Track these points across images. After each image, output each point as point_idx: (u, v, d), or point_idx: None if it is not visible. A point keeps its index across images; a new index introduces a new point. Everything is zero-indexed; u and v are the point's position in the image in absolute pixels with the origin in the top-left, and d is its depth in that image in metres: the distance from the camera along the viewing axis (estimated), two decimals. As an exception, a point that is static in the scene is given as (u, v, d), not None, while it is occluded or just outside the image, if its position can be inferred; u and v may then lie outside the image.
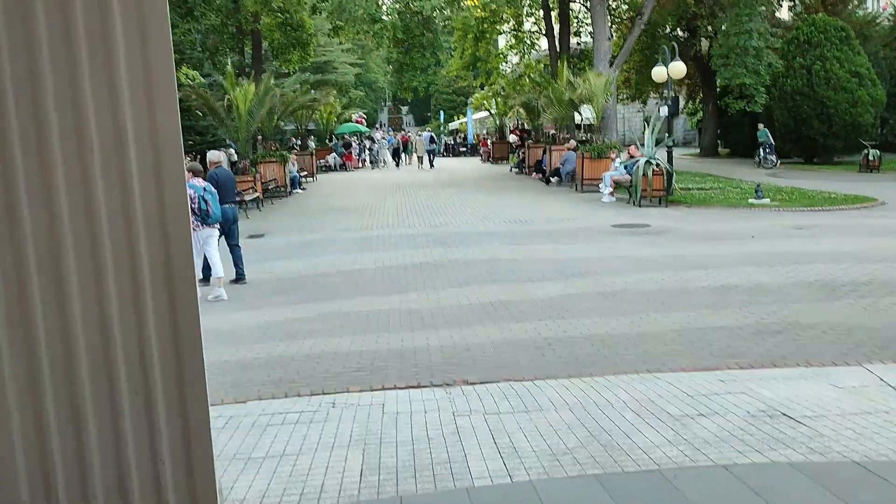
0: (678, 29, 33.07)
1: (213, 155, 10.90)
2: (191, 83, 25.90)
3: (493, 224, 15.38)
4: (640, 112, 43.72)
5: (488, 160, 39.17)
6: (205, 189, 9.46)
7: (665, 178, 17.07)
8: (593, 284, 8.96)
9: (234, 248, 10.68)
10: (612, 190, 18.73)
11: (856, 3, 32.35)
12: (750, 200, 16.77)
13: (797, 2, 32.97)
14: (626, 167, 18.69)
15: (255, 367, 6.36)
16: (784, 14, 33.71)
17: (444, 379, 5.57)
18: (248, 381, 5.92)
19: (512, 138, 39.44)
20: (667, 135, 18.44)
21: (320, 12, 28.61)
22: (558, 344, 6.41)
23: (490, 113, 40.97)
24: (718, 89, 32.04)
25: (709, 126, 36.43)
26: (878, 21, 31.89)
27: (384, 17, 24.84)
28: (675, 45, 18.88)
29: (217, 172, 10.56)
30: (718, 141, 36.37)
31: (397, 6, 24.43)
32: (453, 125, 57.86)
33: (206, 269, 10.07)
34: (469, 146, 46.43)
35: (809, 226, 13.34)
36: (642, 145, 17.83)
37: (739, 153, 33.23)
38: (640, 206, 17.10)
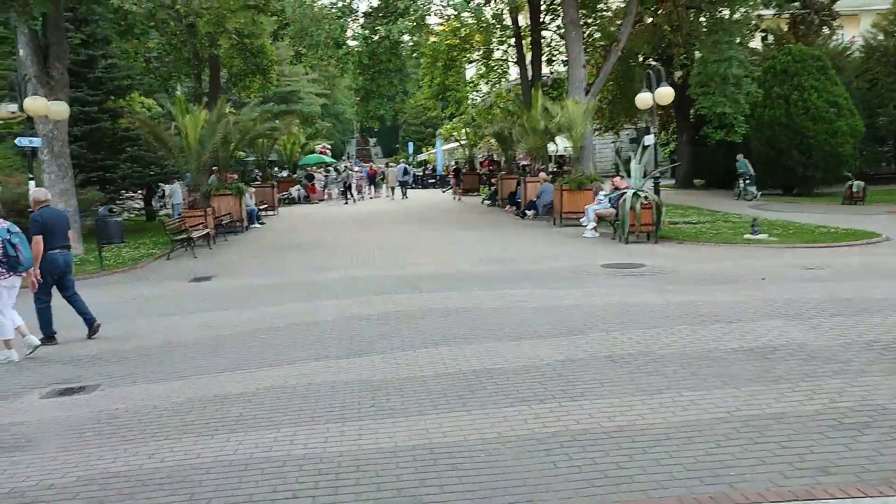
0: (651, 58, 32.23)
1: (37, 193, 9.26)
2: (142, 111, 24.14)
3: (470, 264, 13.82)
4: (613, 143, 42.87)
5: (458, 192, 37.78)
6: (8, 231, 8.14)
7: (654, 211, 15.72)
8: (597, 344, 7.40)
9: (74, 299, 9.28)
10: (595, 225, 17.35)
11: (826, 33, 31.89)
12: (746, 236, 15.47)
13: (768, 34, 32.47)
14: (610, 200, 17.35)
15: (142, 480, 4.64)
16: (756, 44, 33.14)
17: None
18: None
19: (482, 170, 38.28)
20: (654, 165, 17.13)
21: (282, 38, 27.11)
22: (573, 446, 4.77)
23: (460, 144, 39.72)
24: (693, 119, 31.19)
25: (683, 156, 35.56)
26: (849, 52, 31.43)
27: (349, 42, 23.36)
28: (662, 70, 17.68)
29: (42, 213, 8.98)
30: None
31: (364, 31, 22.99)
32: (422, 156, 56.55)
33: (47, 325, 8.97)
34: (438, 177, 45.04)
35: (819, 265, 11.99)
36: (628, 176, 16.49)
37: (715, 184, 32.35)
38: (627, 242, 15.70)
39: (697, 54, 27.27)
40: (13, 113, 13.51)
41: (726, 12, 25.30)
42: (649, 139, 17.34)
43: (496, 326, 8.45)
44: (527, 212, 22.83)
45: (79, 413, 6.23)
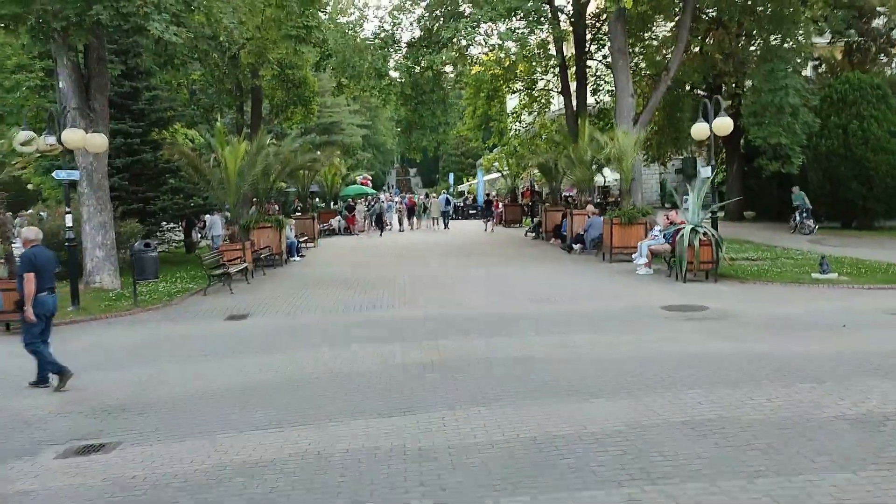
0: (699, 88, 31.28)
1: (27, 232, 8.75)
2: (184, 142, 24.05)
3: (518, 303, 13.04)
4: (659, 174, 41.78)
5: (499, 223, 37.10)
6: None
7: (714, 248, 14.77)
8: (671, 406, 6.54)
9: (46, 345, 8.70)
10: (648, 261, 16.43)
11: (884, 61, 30.61)
12: (814, 275, 14.39)
13: (822, 62, 31.26)
14: (665, 236, 16.45)
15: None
16: (808, 72, 32.00)
17: None
18: None
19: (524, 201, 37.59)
20: (714, 199, 16.19)
21: (324, 69, 26.96)
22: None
23: (502, 174, 39.08)
24: (743, 150, 30.09)
25: (734, 188, 34.32)
26: (908, 80, 30.06)
27: (392, 73, 23.00)
28: (720, 99, 16.82)
29: (35, 252, 8.46)
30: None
31: (406, 62, 22.61)
32: (463, 187, 56.05)
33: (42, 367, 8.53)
34: (479, 208, 44.40)
35: (904, 310, 10.93)
36: (685, 209, 15.57)
37: (767, 217, 31.03)
38: (685, 280, 14.74)
39: (748, 83, 26.33)
40: (51, 145, 13.25)
41: (779, 40, 24.37)
42: (706, 171, 16.46)
43: (552, 380, 7.64)
44: (574, 245, 21.96)
45: (90, 482, 5.59)
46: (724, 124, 15.64)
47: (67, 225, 13.81)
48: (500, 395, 7.20)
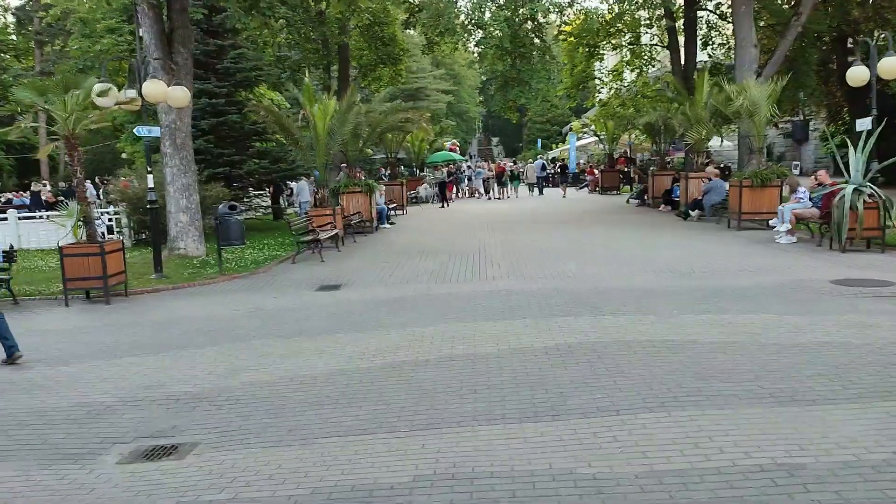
0: (828, 38, 27.97)
1: None
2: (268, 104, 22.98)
3: (646, 275, 11.19)
4: (778, 133, 38.51)
5: (595, 190, 34.85)
6: None
7: (882, 212, 12.44)
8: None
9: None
10: (791, 227, 14.19)
11: None
12: None
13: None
14: (812, 198, 14.16)
15: None
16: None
17: None
18: None
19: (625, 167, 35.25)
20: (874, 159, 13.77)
21: (413, 26, 25.35)
22: None
23: (599, 138, 36.67)
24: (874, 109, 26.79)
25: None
26: None
27: (489, 25, 21.12)
28: (890, 38, 14.27)
29: None
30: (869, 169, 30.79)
31: (504, 12, 20.68)
32: (553, 153, 53.62)
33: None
34: (572, 175, 42.09)
35: None
36: (845, 169, 13.20)
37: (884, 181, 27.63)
38: (843, 251, 12.50)
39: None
40: (131, 99, 12.18)
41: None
42: (865, 123, 13.99)
43: (735, 375, 5.87)
44: (690, 212, 19.75)
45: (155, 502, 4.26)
46: (891, 66, 13.11)
47: (149, 186, 12.78)
48: (671, 393, 5.48)
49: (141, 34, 13.87)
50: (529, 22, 20.78)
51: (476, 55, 23.42)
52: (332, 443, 5.01)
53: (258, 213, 24.53)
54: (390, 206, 23.65)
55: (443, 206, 28.94)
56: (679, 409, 5.14)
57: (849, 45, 29.50)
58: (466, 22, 20.83)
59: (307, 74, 19.41)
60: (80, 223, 11.21)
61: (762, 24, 27.37)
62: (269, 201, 25.85)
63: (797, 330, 7.32)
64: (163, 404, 6.18)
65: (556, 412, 5.30)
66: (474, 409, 5.50)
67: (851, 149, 13.14)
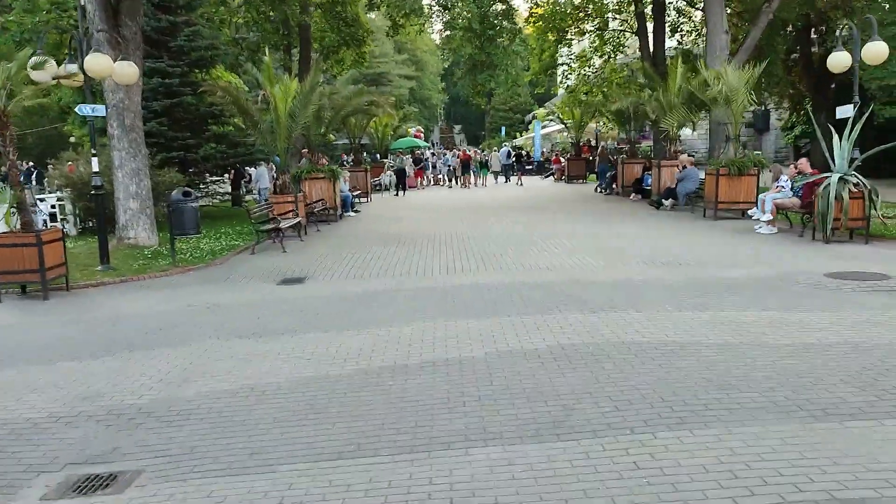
0: (795, 26, 27.80)
1: None
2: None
3: (629, 266, 10.64)
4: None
5: (561, 178, 34.39)
6: None
7: (867, 202, 12.07)
8: None
9: None
10: (772, 217, 13.79)
11: None
12: None
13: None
14: (793, 188, 13.78)
15: None
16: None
17: None
18: None
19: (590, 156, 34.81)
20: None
21: (378, 7, 24.40)
22: None
23: (565, 125, 36.18)
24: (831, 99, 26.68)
25: (819, 142, 30.95)
26: None
27: (457, 5, 20.34)
28: (871, 19, 13.90)
29: None
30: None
31: (472, -7, 19.92)
32: (518, 142, 53.05)
33: None
34: (536, 163, 41.57)
35: None
36: (830, 157, 12.80)
37: (867, 170, 27.71)
38: (827, 241, 12.11)
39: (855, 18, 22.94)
40: (71, 74, 11.10)
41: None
42: (846, 110, 13.62)
43: (752, 383, 5.27)
44: (664, 201, 19.33)
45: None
46: (879, 51, 12.70)
47: (94, 170, 11.73)
48: (686, 408, 4.84)
49: (83, 3, 12.72)
50: (498, 4, 20.00)
51: (444, 37, 22.54)
52: (301, 471, 4.25)
53: (215, 200, 23.38)
54: (354, 194, 22.76)
55: (397, 195, 28.14)
56: (702, 427, 4.50)
57: (812, 36, 29.47)
58: (433, 2, 19.99)
59: (267, 54, 18.34)
60: (13, 210, 10.15)
61: (728, 11, 27.12)
62: (229, 187, 24.70)
63: (805, 329, 6.78)
64: (102, 421, 5.33)
65: (560, 429, 4.62)
66: (466, 425, 4.79)
67: (836, 137, 12.74)
